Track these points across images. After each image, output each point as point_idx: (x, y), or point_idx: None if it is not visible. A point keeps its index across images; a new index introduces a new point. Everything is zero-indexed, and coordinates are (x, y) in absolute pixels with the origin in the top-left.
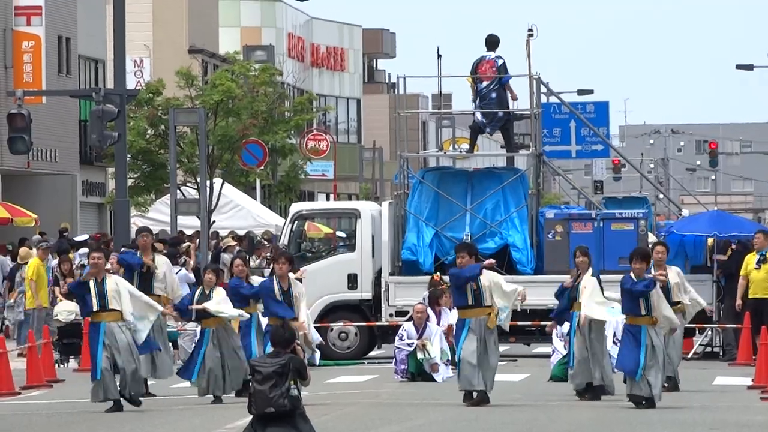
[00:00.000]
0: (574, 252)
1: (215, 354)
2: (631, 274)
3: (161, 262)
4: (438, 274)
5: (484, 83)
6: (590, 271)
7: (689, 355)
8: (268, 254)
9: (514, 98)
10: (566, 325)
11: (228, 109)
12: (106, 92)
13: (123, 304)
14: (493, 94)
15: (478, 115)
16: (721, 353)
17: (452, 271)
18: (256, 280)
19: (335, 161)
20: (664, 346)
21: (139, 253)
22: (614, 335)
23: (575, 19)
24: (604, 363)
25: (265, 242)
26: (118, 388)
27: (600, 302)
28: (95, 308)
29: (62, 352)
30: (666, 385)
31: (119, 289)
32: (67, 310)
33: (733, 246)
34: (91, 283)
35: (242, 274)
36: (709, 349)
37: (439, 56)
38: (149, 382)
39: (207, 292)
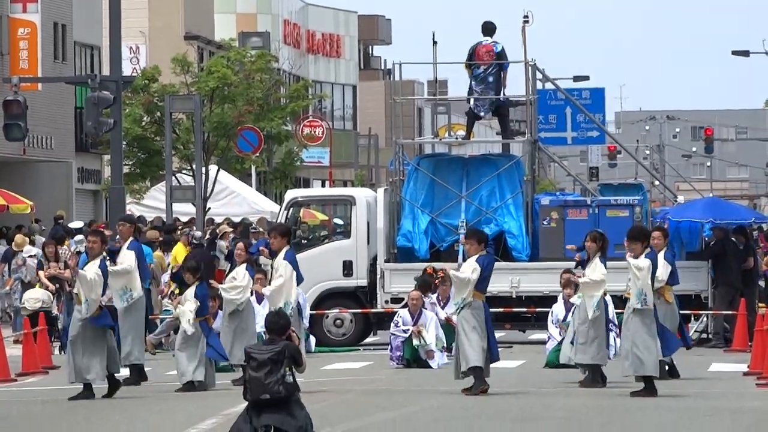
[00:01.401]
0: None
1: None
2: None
3: (128, 256)
4: (431, 266)
5: (482, 68)
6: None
7: None
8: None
9: (504, 86)
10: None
11: (224, 96)
12: (102, 79)
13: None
14: (490, 78)
15: (472, 100)
16: (712, 338)
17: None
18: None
19: (331, 148)
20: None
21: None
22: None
23: (571, 6)
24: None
25: (260, 230)
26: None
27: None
28: None
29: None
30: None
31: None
32: (33, 297)
33: (713, 231)
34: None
35: (241, 259)
36: (705, 335)
37: (435, 43)
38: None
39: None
